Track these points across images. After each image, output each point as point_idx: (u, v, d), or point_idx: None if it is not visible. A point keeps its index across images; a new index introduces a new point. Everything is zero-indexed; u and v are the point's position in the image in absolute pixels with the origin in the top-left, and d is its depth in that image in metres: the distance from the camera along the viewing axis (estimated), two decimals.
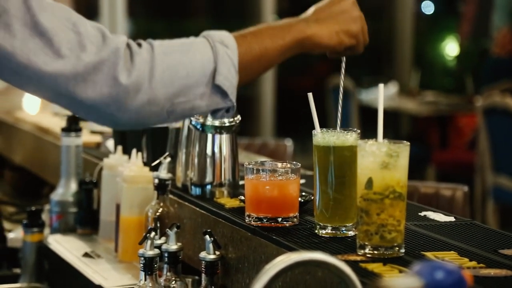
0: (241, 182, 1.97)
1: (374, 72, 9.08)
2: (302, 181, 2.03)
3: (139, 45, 1.48)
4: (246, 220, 1.74)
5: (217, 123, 1.97)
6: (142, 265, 1.82)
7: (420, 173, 6.67)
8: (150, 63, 1.46)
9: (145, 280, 1.82)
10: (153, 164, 2.10)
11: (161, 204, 2.03)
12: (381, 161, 1.48)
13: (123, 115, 1.47)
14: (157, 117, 1.49)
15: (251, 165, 1.73)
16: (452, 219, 1.82)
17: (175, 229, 1.85)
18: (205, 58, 1.49)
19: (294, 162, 1.77)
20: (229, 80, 1.51)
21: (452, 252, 1.55)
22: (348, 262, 1.42)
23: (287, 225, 1.71)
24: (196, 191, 2.01)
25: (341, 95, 1.75)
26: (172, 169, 2.06)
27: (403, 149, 1.49)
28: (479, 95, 6.10)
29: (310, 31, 1.61)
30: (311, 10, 1.65)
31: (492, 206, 5.60)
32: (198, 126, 1.99)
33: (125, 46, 1.46)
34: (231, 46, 1.51)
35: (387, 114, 6.99)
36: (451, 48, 8.92)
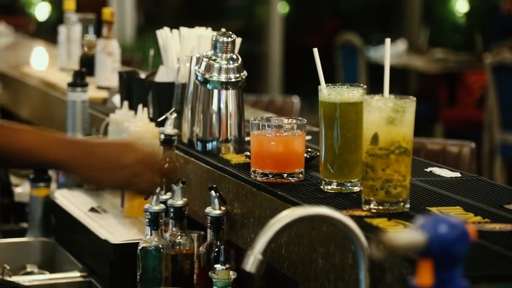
0: (247, 138, 1.97)
1: (382, 29, 9.02)
2: (308, 137, 2.03)
3: None
4: (252, 176, 1.74)
5: (223, 78, 1.97)
6: (148, 220, 1.83)
7: (428, 131, 6.65)
8: None
9: (151, 235, 1.83)
10: (159, 119, 2.10)
11: (167, 159, 2.03)
12: (387, 116, 1.48)
13: None
14: None
15: (256, 121, 1.73)
16: (458, 174, 1.82)
17: (180, 185, 1.85)
18: None
19: (300, 118, 1.76)
20: None
21: (457, 207, 1.55)
22: (353, 217, 1.42)
23: (293, 180, 1.71)
24: (202, 146, 2.01)
25: None
26: (178, 124, 2.06)
27: (409, 105, 1.49)
28: (488, 52, 6.07)
29: (74, 163, 1.59)
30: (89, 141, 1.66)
31: (499, 163, 5.59)
32: (204, 82, 1.98)
33: None
34: None
35: (395, 72, 6.97)
36: (460, 4, 8.85)
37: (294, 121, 1.75)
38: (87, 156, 1.59)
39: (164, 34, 2.34)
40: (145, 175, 1.61)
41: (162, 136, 2.01)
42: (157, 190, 1.83)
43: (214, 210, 1.79)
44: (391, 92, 1.50)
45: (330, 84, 1.67)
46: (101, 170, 1.59)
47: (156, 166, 1.63)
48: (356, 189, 1.64)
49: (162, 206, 1.83)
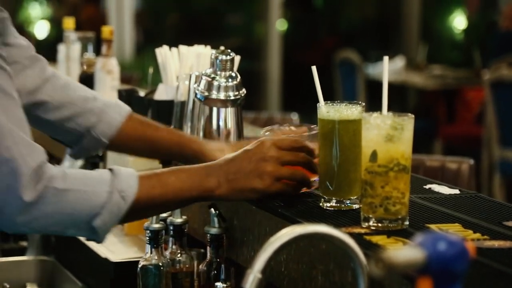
0: None
1: (381, 46, 9.05)
2: None
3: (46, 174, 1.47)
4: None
5: (222, 96, 1.97)
6: (148, 238, 1.83)
7: (426, 147, 6.66)
8: (52, 196, 1.46)
9: (151, 253, 1.83)
10: None
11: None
12: (385, 134, 1.48)
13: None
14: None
15: (268, 133, 1.74)
16: (456, 191, 1.82)
17: None
18: (96, 204, 1.49)
19: (313, 126, 1.77)
20: (107, 226, 1.51)
21: (456, 224, 1.55)
22: (352, 235, 1.43)
23: (313, 188, 1.72)
24: None
25: None
26: None
27: (408, 122, 1.49)
28: (487, 69, 6.08)
29: (218, 192, 1.60)
30: (224, 161, 1.63)
31: (498, 180, 5.60)
32: (203, 99, 1.99)
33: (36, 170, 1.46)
34: (128, 197, 1.50)
35: (394, 88, 6.99)
36: (458, 21, 8.89)
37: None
38: (225, 179, 1.60)
39: (163, 52, 2.35)
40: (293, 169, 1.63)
41: None
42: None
43: (214, 228, 1.79)
44: (389, 108, 1.51)
45: (328, 102, 1.67)
46: (248, 181, 1.61)
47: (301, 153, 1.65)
48: (355, 206, 1.65)
49: (162, 224, 1.83)
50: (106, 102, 1.91)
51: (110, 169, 1.53)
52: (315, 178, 1.69)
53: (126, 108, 1.92)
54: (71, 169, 1.50)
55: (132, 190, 1.51)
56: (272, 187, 1.62)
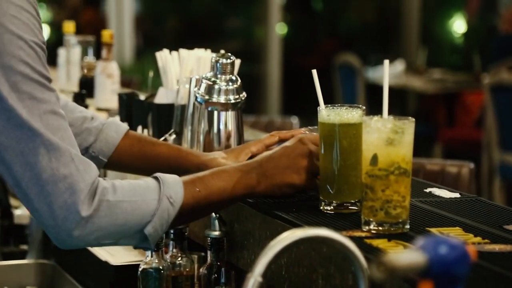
0: None
1: (381, 50, 9.05)
2: None
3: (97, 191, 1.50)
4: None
5: (222, 100, 1.97)
6: None
7: (426, 151, 6.66)
8: (107, 209, 1.49)
9: (152, 256, 1.83)
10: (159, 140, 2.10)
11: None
12: (386, 137, 1.48)
13: (58, 237, 1.50)
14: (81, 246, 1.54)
15: (306, 131, 1.75)
16: (457, 195, 1.82)
17: None
18: (147, 212, 1.52)
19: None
20: (158, 232, 1.54)
21: (457, 228, 1.55)
22: (352, 238, 1.43)
23: None
24: None
25: None
26: None
27: (408, 125, 1.49)
28: (487, 72, 6.08)
29: (259, 189, 1.66)
30: (262, 158, 1.69)
31: (498, 183, 5.60)
32: (204, 103, 1.99)
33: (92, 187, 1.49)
34: (176, 203, 1.55)
35: (394, 92, 7.00)
36: (458, 25, 8.89)
37: None
38: (264, 175, 1.66)
39: (163, 56, 2.35)
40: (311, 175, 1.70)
41: None
42: None
43: (214, 232, 1.79)
44: (389, 112, 1.51)
45: (329, 105, 1.67)
46: (285, 176, 1.67)
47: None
48: (356, 209, 1.65)
49: None
50: (103, 121, 1.92)
51: (155, 177, 1.56)
52: None
53: (123, 126, 1.93)
54: (118, 180, 1.54)
55: (179, 195, 1.55)
56: (309, 182, 1.69)
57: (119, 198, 1.50)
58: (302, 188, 1.70)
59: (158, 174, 1.57)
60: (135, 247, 1.58)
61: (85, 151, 1.90)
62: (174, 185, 1.56)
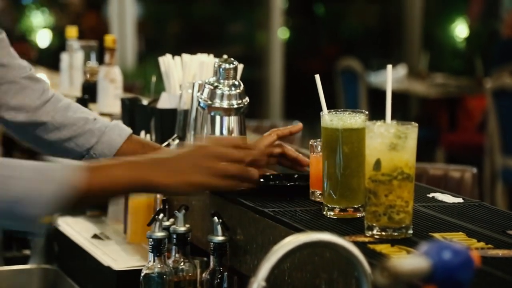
0: None
1: (383, 54, 9.06)
2: None
3: None
4: (311, 197, 1.77)
5: (225, 105, 1.98)
6: (150, 246, 1.83)
7: (429, 156, 6.66)
8: None
9: (154, 261, 1.82)
10: (162, 145, 2.10)
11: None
12: (389, 142, 1.48)
13: None
14: None
15: (316, 142, 1.74)
16: (460, 200, 1.82)
17: (183, 211, 1.85)
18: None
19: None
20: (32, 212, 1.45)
21: (460, 233, 1.55)
22: (356, 243, 1.42)
23: None
24: None
25: None
26: None
27: (411, 130, 1.49)
28: (489, 77, 6.08)
29: (157, 182, 1.57)
30: (170, 153, 1.65)
31: (501, 188, 5.59)
32: (207, 108, 1.99)
33: None
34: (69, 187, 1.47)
35: (396, 97, 7.00)
36: (460, 29, 8.89)
37: None
38: (160, 168, 1.58)
39: (166, 61, 2.35)
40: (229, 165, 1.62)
41: None
42: (160, 216, 1.83)
43: (217, 237, 1.79)
44: (391, 117, 1.51)
45: (332, 110, 1.67)
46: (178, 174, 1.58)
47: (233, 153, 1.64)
48: (359, 215, 1.65)
49: (165, 232, 1.83)
50: (106, 124, 1.92)
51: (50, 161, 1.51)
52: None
53: (127, 130, 1.93)
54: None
55: (75, 179, 1.48)
56: (222, 183, 1.63)
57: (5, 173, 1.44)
58: (211, 188, 1.66)
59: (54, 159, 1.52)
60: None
61: (87, 152, 1.90)
62: (68, 170, 1.48)
